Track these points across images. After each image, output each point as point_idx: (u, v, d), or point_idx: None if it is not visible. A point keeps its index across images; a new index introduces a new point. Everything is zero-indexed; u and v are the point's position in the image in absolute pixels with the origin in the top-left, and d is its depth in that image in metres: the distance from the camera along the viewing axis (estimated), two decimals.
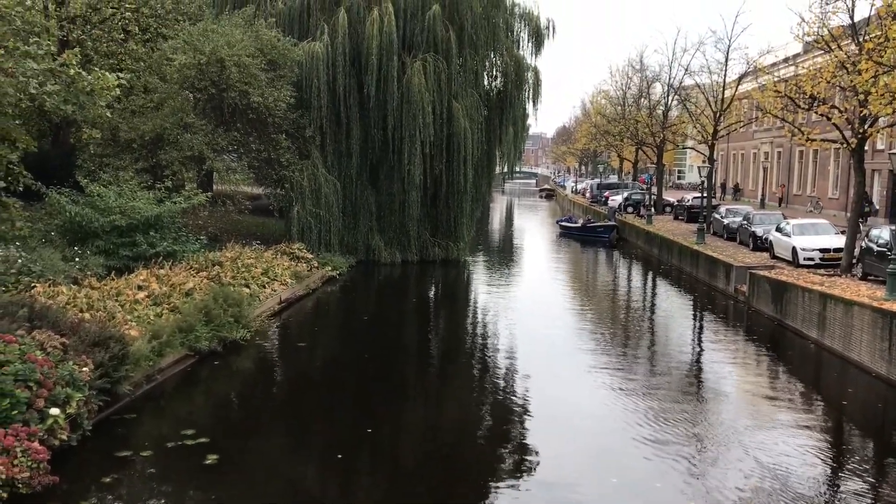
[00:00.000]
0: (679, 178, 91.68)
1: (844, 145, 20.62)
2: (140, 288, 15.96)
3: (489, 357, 17.36)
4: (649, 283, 30.44)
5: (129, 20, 27.80)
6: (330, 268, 25.68)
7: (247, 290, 18.90)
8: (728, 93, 37.11)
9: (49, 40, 18.65)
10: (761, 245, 26.91)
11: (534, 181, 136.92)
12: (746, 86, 37.91)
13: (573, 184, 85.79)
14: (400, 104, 27.99)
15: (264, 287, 20.51)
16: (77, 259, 16.96)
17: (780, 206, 46.43)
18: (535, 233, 52.63)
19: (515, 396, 14.04)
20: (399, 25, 28.13)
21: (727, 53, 37.14)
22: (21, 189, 16.27)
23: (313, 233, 26.64)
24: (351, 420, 12.45)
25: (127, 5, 27.65)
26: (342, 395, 14.05)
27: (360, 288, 26.19)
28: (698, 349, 18.84)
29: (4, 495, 8.01)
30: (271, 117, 25.23)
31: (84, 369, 10.40)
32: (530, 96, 32.85)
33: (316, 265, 25.09)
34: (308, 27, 28.48)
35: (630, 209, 48.24)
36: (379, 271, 28.47)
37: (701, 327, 21.77)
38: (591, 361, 16.16)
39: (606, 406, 13.02)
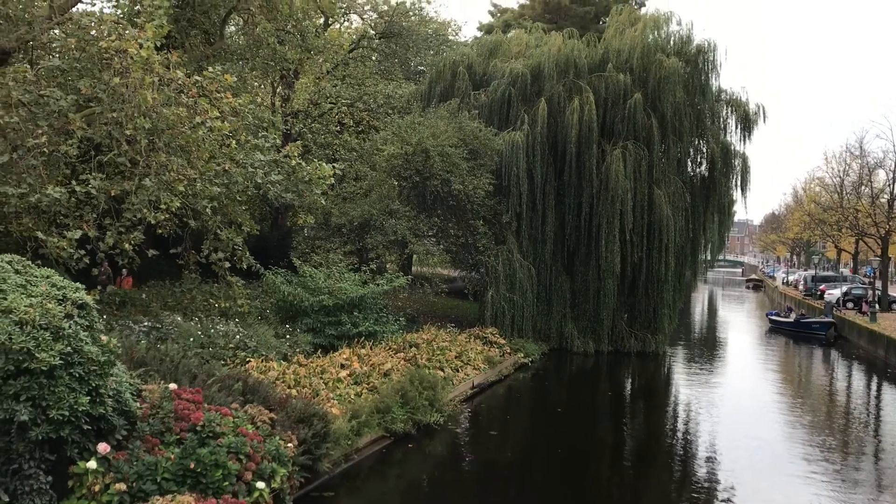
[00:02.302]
0: None
1: None
2: (343, 366, 16.60)
3: (689, 461, 16.18)
4: (873, 388, 27.43)
5: (345, 114, 30.12)
6: (522, 354, 25.47)
7: (441, 374, 19.10)
8: None
9: (275, 134, 20.49)
10: None
11: (739, 270, 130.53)
12: None
13: (784, 274, 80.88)
14: (598, 191, 27.92)
15: (458, 371, 20.65)
16: (288, 336, 17.99)
17: None
18: (741, 326, 49.58)
19: None
20: (599, 114, 28.28)
21: None
22: (244, 268, 17.63)
23: (506, 317, 26.64)
24: None
25: (343, 101, 30.00)
26: (533, 491, 13.60)
27: (553, 377, 25.67)
28: None
29: None
30: (470, 204, 25.98)
31: (289, 445, 10.79)
32: (737, 183, 31.47)
33: (508, 351, 24.99)
34: (508, 117, 29.26)
35: (850, 304, 44.30)
36: (571, 360, 27.83)
37: None
38: (804, 476, 14.59)
39: None
